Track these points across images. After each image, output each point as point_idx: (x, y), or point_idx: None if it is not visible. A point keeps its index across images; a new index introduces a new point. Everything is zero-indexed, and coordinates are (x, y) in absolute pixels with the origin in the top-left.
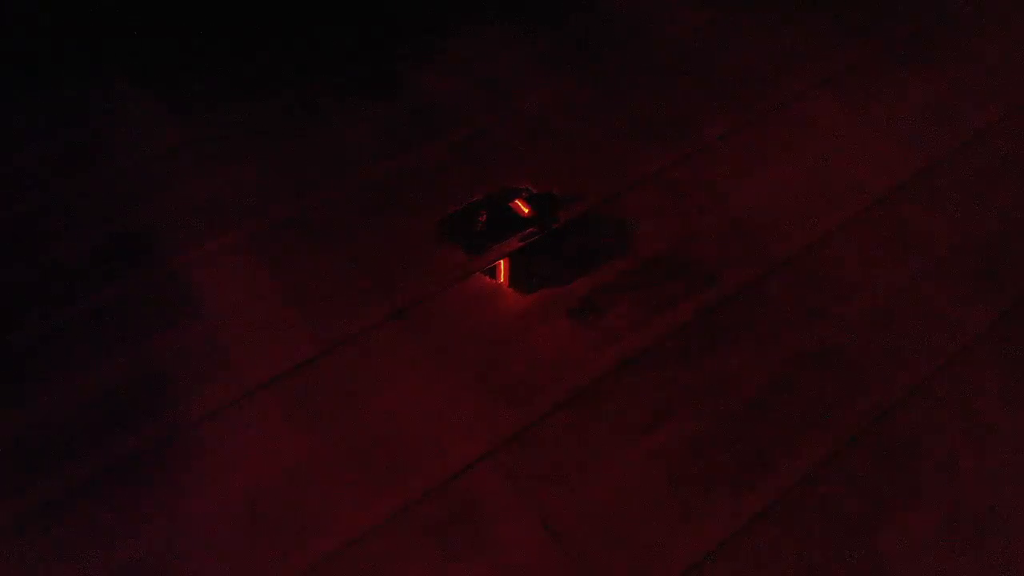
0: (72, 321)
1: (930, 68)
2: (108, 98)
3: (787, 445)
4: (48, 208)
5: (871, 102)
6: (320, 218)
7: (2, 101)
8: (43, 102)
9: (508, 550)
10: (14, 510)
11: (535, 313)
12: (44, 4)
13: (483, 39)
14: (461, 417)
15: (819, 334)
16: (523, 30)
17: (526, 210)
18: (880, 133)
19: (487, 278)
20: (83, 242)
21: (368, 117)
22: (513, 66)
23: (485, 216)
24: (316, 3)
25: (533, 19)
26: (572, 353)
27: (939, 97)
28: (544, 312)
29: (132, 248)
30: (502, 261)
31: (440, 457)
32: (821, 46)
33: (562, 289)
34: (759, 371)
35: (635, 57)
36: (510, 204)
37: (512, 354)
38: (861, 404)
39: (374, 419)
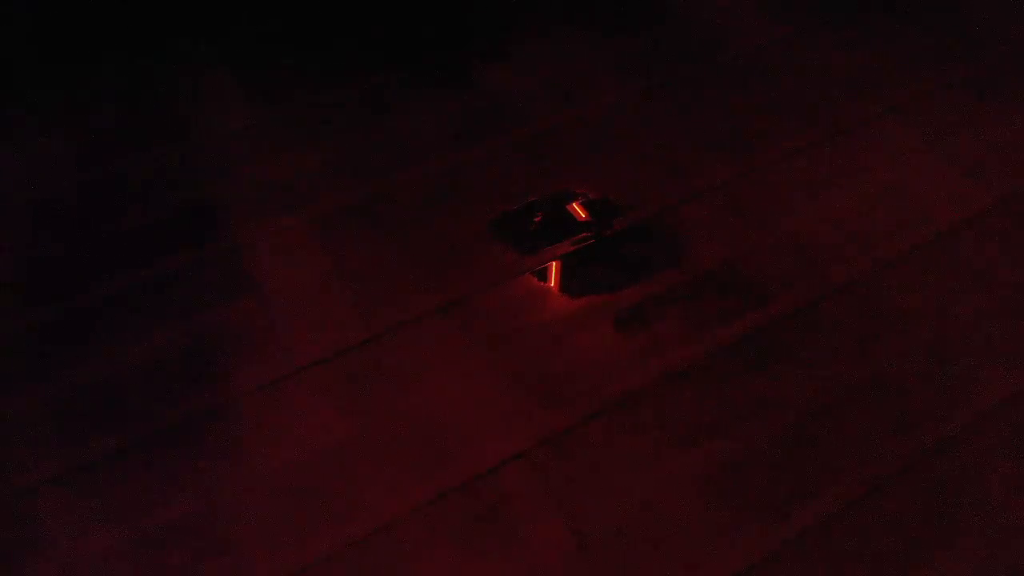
0: (135, 288)
1: (1006, 104)
2: (186, 76)
3: (826, 475)
4: (121, 177)
5: (943, 133)
6: (381, 206)
7: (86, 69)
8: (124, 75)
9: (533, 551)
10: (59, 468)
11: (581, 318)
12: None
13: (555, 42)
14: (498, 414)
15: (871, 364)
16: (595, 37)
17: (582, 214)
18: (950, 165)
19: (536, 279)
20: (151, 212)
21: (437, 110)
22: (583, 71)
23: (540, 217)
24: None
25: (606, 27)
26: (615, 361)
27: (1014, 135)
28: (590, 318)
29: (198, 222)
30: (553, 263)
31: (474, 452)
32: (897, 71)
33: (611, 296)
34: (804, 397)
35: (705, 70)
36: (567, 207)
37: (554, 357)
38: (907, 440)
39: (413, 408)
